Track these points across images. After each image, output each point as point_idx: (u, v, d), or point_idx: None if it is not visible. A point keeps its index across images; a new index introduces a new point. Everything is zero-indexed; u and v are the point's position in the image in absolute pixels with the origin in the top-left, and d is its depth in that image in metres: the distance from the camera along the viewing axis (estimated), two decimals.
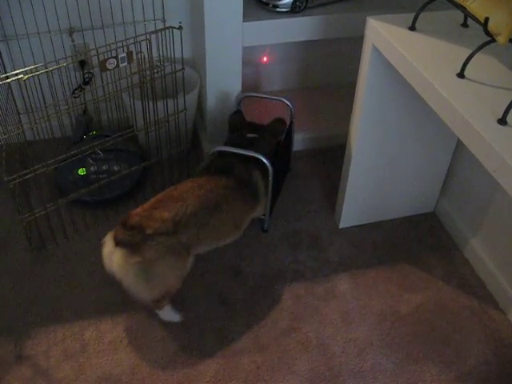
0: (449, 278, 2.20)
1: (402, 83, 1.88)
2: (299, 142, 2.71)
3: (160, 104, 2.27)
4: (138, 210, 1.82)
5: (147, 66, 2.12)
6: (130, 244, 1.74)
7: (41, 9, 2.38)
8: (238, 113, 2.38)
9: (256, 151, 2.12)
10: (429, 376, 1.88)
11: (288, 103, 2.41)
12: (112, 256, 1.76)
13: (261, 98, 2.50)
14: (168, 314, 1.98)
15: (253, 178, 2.11)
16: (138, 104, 2.27)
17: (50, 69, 1.88)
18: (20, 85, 1.86)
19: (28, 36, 2.43)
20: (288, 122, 2.43)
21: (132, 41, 2.01)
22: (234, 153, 2.12)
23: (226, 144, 2.25)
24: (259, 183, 2.13)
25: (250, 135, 2.27)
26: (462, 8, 1.59)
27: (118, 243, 1.75)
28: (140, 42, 2.02)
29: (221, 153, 2.15)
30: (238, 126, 2.33)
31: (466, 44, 1.62)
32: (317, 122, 2.80)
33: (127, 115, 2.61)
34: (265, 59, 2.90)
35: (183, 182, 1.97)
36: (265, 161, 2.10)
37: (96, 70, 2.50)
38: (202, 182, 1.96)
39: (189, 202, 1.86)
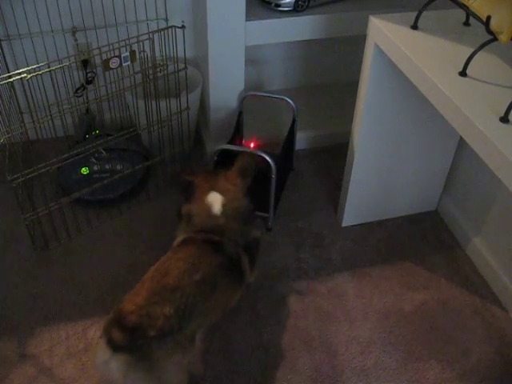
0: (451, 277, 2.20)
1: (405, 82, 1.88)
2: (302, 140, 2.72)
3: (163, 103, 2.28)
4: (130, 305, 1.54)
5: (150, 65, 2.13)
6: (132, 349, 1.50)
7: (44, 8, 2.38)
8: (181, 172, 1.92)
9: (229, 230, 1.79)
10: (431, 374, 1.89)
11: (290, 102, 2.41)
12: (110, 364, 1.50)
13: (263, 96, 2.50)
14: None
15: (239, 257, 1.79)
16: (141, 103, 2.28)
17: (53, 68, 1.88)
18: (23, 84, 1.86)
19: (31, 35, 2.43)
20: (291, 121, 2.43)
21: (135, 40, 2.02)
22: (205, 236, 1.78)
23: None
24: (243, 261, 1.81)
25: (214, 205, 1.80)
26: (465, 7, 1.59)
27: (116, 349, 1.49)
28: (143, 42, 2.02)
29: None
30: (190, 188, 1.86)
31: (468, 43, 1.62)
32: (319, 121, 2.80)
33: (130, 114, 2.62)
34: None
35: (170, 259, 1.70)
36: (268, 159, 2.10)
37: (99, 70, 2.50)
38: (192, 260, 1.67)
39: (188, 290, 1.59)
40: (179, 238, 1.81)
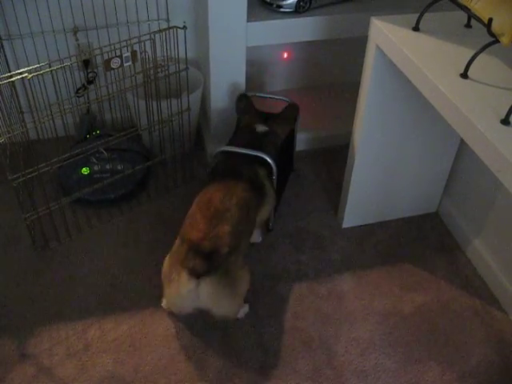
0: (451, 279, 2.20)
1: (406, 83, 1.88)
2: (303, 141, 2.72)
3: (164, 103, 2.28)
4: (197, 234, 1.74)
5: (151, 65, 2.13)
6: (215, 270, 1.70)
7: (45, 8, 2.38)
8: (244, 98, 2.34)
9: (264, 148, 2.12)
10: (431, 376, 1.88)
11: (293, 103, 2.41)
12: (198, 291, 1.70)
13: (264, 97, 2.50)
14: (245, 308, 2.05)
15: (259, 179, 2.07)
16: (142, 103, 2.28)
17: (54, 68, 1.88)
18: (24, 84, 1.86)
19: (32, 35, 2.43)
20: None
21: (136, 40, 2.02)
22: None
23: (233, 139, 2.25)
24: (266, 182, 2.09)
25: (259, 129, 2.21)
26: (466, 9, 1.59)
27: (201, 275, 1.68)
28: (144, 42, 2.02)
29: (226, 153, 2.13)
30: (247, 112, 2.31)
31: (470, 45, 1.62)
32: (320, 122, 2.80)
33: (131, 115, 2.62)
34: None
35: (208, 192, 1.91)
36: (269, 160, 2.10)
37: (100, 70, 2.51)
38: (226, 189, 1.90)
39: (233, 211, 1.82)
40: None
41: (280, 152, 2.23)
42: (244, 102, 2.32)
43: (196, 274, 1.68)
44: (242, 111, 2.31)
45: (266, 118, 2.28)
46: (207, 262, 1.68)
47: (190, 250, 1.71)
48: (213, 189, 1.92)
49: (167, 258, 1.84)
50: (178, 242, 1.81)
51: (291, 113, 2.34)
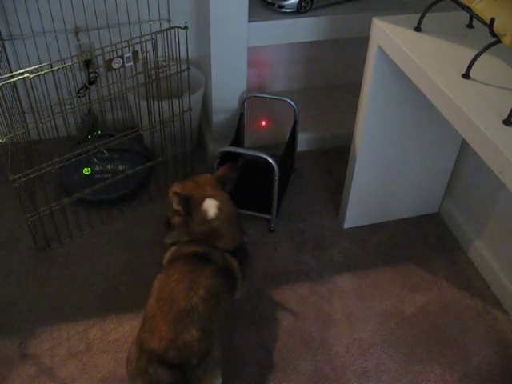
0: (453, 279, 2.20)
1: (408, 84, 1.88)
2: (304, 142, 2.72)
3: (165, 104, 2.28)
4: (160, 343, 1.48)
5: (152, 65, 2.13)
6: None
7: (46, 8, 2.38)
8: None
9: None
10: (433, 376, 1.88)
11: (292, 103, 2.41)
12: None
13: (265, 98, 2.50)
14: None
15: (229, 263, 1.77)
16: (143, 104, 2.28)
17: (56, 68, 1.88)
18: (25, 84, 1.86)
19: (33, 35, 2.43)
20: (292, 122, 2.43)
21: (137, 40, 2.02)
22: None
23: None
24: (234, 267, 1.79)
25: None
26: (468, 9, 1.59)
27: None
28: (145, 42, 2.02)
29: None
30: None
31: (472, 45, 1.62)
32: (321, 123, 2.80)
33: (132, 115, 2.62)
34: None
35: (168, 286, 1.62)
36: (271, 161, 2.10)
37: (101, 70, 2.51)
38: (189, 278, 1.63)
39: (200, 307, 1.57)
40: (168, 254, 1.80)
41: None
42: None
43: None
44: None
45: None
46: (172, 374, 1.46)
47: (150, 362, 1.47)
48: (174, 277, 1.64)
49: (126, 367, 1.59)
50: (134, 348, 1.55)
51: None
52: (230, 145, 2.33)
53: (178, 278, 1.63)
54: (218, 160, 2.19)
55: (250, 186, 2.46)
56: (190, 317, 1.54)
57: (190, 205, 1.77)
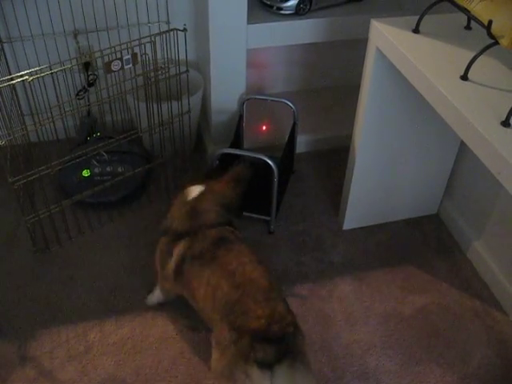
0: (452, 280, 2.20)
1: (406, 85, 1.88)
2: (303, 143, 2.72)
3: (164, 106, 2.28)
4: (258, 321, 1.52)
5: (152, 67, 2.13)
6: (288, 353, 1.50)
7: (46, 10, 2.38)
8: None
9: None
10: (432, 378, 1.88)
11: (291, 105, 2.41)
12: (277, 380, 1.49)
13: (264, 100, 2.50)
14: None
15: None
16: (143, 106, 2.28)
17: (55, 70, 1.88)
18: (25, 86, 1.87)
19: (33, 37, 2.44)
20: (291, 124, 2.44)
21: (137, 43, 2.02)
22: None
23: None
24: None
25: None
26: (466, 11, 1.59)
27: (273, 363, 1.48)
28: (145, 44, 2.02)
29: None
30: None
31: (470, 47, 1.62)
32: (320, 124, 2.80)
33: (131, 117, 2.62)
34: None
35: (229, 270, 1.66)
36: (270, 162, 2.10)
37: (100, 72, 2.51)
38: (243, 260, 1.70)
39: (272, 282, 1.64)
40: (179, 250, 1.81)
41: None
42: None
43: (268, 365, 1.48)
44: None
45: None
46: (277, 348, 1.49)
47: (254, 341, 1.49)
48: (233, 266, 1.67)
49: (217, 357, 1.61)
50: (227, 334, 1.56)
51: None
52: (230, 147, 2.33)
53: (235, 263, 1.67)
54: (217, 161, 2.19)
55: (249, 187, 2.46)
56: (273, 292, 1.60)
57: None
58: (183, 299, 1.93)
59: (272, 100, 2.47)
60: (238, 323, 1.54)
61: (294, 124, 2.45)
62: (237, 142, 2.45)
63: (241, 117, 2.47)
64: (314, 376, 1.70)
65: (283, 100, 2.43)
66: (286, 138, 2.41)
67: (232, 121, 2.51)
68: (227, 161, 2.13)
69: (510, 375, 1.90)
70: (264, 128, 2.80)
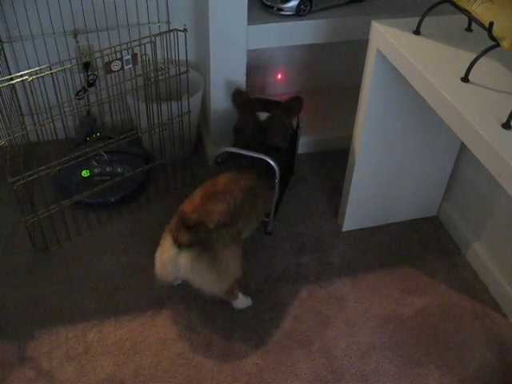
0: (451, 282, 2.20)
1: (407, 87, 1.88)
2: (303, 145, 2.72)
3: (164, 106, 2.28)
4: (189, 206, 1.83)
5: (152, 68, 2.13)
6: (198, 243, 1.74)
7: (45, 10, 2.38)
8: (239, 92, 2.32)
9: (271, 137, 2.19)
10: (431, 379, 1.88)
11: None
12: (178, 260, 1.75)
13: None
14: (242, 301, 2.05)
15: (271, 171, 2.11)
16: (142, 106, 2.28)
17: (55, 70, 1.88)
18: (24, 86, 1.86)
19: (32, 37, 2.44)
20: (295, 125, 2.43)
21: (137, 43, 2.02)
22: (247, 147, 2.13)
23: (236, 129, 2.27)
24: (275, 168, 2.12)
25: (262, 116, 2.23)
26: (467, 12, 1.59)
27: (182, 245, 1.73)
28: (145, 44, 2.02)
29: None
30: (246, 104, 2.29)
31: (471, 48, 1.62)
32: (321, 126, 2.80)
33: (131, 117, 2.62)
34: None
35: (218, 177, 1.98)
36: (272, 163, 2.09)
37: (100, 72, 2.51)
38: (235, 175, 1.98)
39: (235, 193, 1.90)
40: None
41: (287, 137, 2.28)
42: (241, 95, 2.31)
43: (178, 244, 1.73)
44: (241, 106, 2.29)
45: (266, 105, 2.28)
46: (191, 235, 1.72)
47: (178, 220, 1.75)
48: (227, 175, 1.98)
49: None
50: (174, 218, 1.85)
51: (295, 105, 2.31)
52: (234, 136, 2.32)
53: (227, 174, 1.99)
54: (219, 160, 2.18)
55: None
56: (222, 195, 1.87)
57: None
58: (183, 299, 1.93)
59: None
60: (181, 208, 1.84)
61: (297, 125, 2.45)
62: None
63: None
64: (222, 272, 1.83)
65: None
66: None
67: (232, 121, 2.50)
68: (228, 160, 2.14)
69: (510, 377, 1.90)
70: None
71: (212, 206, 1.82)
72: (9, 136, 1.98)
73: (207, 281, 1.84)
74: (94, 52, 2.49)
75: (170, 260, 1.76)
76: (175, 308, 2.03)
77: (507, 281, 2.08)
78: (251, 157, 2.09)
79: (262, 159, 2.08)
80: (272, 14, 2.31)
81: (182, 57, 2.16)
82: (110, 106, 2.39)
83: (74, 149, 2.43)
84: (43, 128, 2.00)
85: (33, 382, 1.82)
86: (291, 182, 2.59)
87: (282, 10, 2.29)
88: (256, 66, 2.82)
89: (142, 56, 2.06)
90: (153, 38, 2.04)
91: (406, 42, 1.69)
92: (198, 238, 1.74)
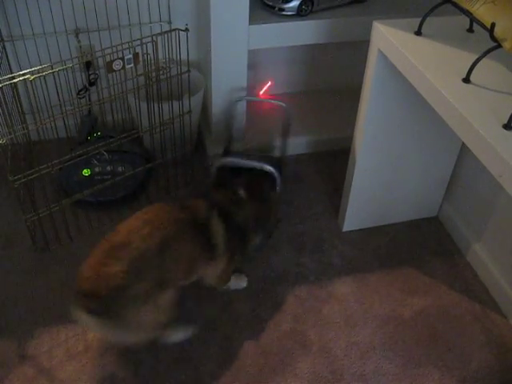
0: (451, 283, 2.20)
1: (408, 87, 1.88)
2: (304, 145, 2.72)
3: (165, 106, 2.28)
4: (86, 267, 1.65)
5: (153, 67, 2.13)
6: (97, 311, 1.62)
7: (47, 9, 2.38)
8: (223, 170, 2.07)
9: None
10: (431, 380, 1.88)
11: (284, 106, 2.40)
12: (88, 323, 1.67)
13: (255, 101, 2.47)
14: (178, 334, 1.95)
15: (211, 222, 1.85)
16: (144, 105, 2.28)
17: (57, 69, 1.88)
18: (26, 85, 1.86)
19: (34, 36, 2.44)
20: (284, 128, 2.43)
21: (138, 42, 2.02)
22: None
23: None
24: (218, 232, 1.86)
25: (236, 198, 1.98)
26: (469, 13, 1.59)
27: (87, 312, 1.63)
28: (146, 44, 2.02)
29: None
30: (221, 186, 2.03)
31: (472, 49, 1.62)
32: (321, 126, 2.80)
33: (132, 117, 2.62)
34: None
35: (129, 219, 1.76)
36: (273, 171, 2.09)
37: (101, 71, 2.51)
38: (148, 217, 1.74)
39: (134, 245, 1.65)
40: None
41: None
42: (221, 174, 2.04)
43: (84, 309, 1.63)
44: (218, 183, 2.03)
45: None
46: (89, 302, 1.61)
47: (77, 283, 1.66)
48: (138, 217, 1.76)
49: None
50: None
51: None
52: (226, 148, 2.31)
53: (139, 215, 1.76)
54: (216, 172, 2.18)
55: None
56: (119, 251, 1.64)
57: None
58: (182, 299, 1.93)
59: (264, 101, 2.45)
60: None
61: (288, 125, 2.44)
62: (229, 146, 2.41)
63: (231, 119, 2.46)
64: (131, 332, 1.73)
65: (276, 101, 2.42)
66: (280, 139, 2.40)
67: (232, 121, 2.51)
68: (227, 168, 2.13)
69: (509, 378, 1.90)
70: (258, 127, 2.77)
71: (106, 267, 1.62)
72: (10, 134, 1.99)
73: (120, 338, 1.79)
74: (95, 51, 2.49)
75: (81, 319, 1.67)
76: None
77: (507, 282, 2.08)
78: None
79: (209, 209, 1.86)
80: (273, 14, 2.31)
81: (184, 56, 2.15)
82: (112, 105, 2.39)
83: (74, 148, 2.43)
84: (44, 127, 2.01)
85: (33, 381, 1.82)
86: (292, 182, 2.58)
87: (283, 10, 2.29)
88: (257, 65, 2.83)
89: (143, 55, 2.06)
90: (154, 38, 2.04)
91: (408, 42, 1.69)
92: (96, 307, 1.61)
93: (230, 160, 2.13)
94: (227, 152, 2.25)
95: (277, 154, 2.33)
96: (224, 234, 1.86)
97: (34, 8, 2.37)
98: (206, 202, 1.87)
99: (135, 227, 1.70)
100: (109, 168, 2.41)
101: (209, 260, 1.87)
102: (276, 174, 2.09)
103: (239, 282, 2.08)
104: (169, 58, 2.14)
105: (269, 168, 2.09)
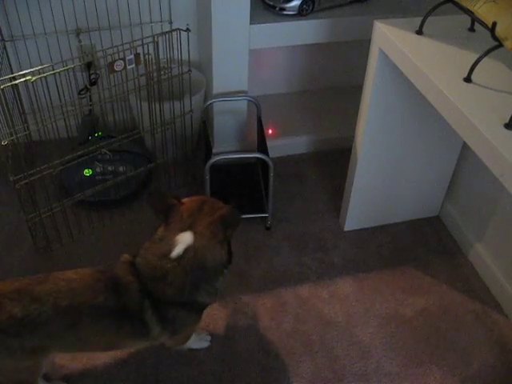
0: (453, 282, 2.20)
1: (409, 87, 1.88)
2: (304, 144, 2.72)
3: (166, 106, 2.28)
4: None
5: (154, 67, 2.13)
6: None
7: (48, 9, 2.38)
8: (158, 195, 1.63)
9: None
10: (432, 380, 1.88)
11: (254, 101, 2.42)
12: None
13: (226, 101, 2.46)
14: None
15: (142, 306, 1.53)
16: (145, 106, 2.28)
17: (58, 70, 1.88)
18: (27, 85, 1.86)
19: (35, 36, 2.44)
20: (257, 123, 2.45)
21: (139, 42, 2.02)
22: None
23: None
24: (148, 315, 1.55)
25: (177, 248, 1.50)
26: (470, 12, 1.59)
27: None
28: (147, 44, 2.02)
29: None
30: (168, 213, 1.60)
31: (473, 49, 1.62)
32: (322, 125, 2.80)
33: (133, 117, 2.62)
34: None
35: (56, 275, 1.53)
36: (266, 159, 2.10)
37: (102, 71, 2.51)
38: (75, 284, 1.51)
39: (45, 307, 1.46)
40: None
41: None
42: (158, 199, 1.62)
43: None
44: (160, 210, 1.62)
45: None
46: None
47: None
48: (69, 275, 1.54)
49: None
50: None
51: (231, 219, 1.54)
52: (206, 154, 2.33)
53: (69, 278, 1.53)
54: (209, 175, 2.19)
55: (237, 189, 2.47)
56: (29, 301, 1.46)
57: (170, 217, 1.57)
58: None
59: (235, 99, 2.45)
60: None
61: (259, 120, 2.46)
62: (208, 149, 2.39)
63: (204, 122, 2.47)
64: None
65: (246, 97, 2.42)
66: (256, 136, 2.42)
67: (232, 122, 2.51)
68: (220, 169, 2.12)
69: (511, 377, 1.90)
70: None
71: (8, 303, 1.45)
72: (11, 135, 1.99)
73: None
74: (96, 51, 2.49)
75: None
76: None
77: (508, 281, 2.08)
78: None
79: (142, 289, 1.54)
80: (274, 13, 2.32)
81: (185, 56, 2.16)
82: (113, 105, 2.39)
83: (76, 148, 2.43)
84: (45, 127, 2.00)
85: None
86: (293, 182, 2.59)
87: (284, 9, 2.29)
88: (258, 65, 2.83)
89: (144, 55, 2.06)
90: (155, 38, 2.04)
91: (409, 41, 1.69)
92: None
93: (222, 156, 2.14)
94: (209, 155, 2.26)
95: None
96: (159, 318, 1.57)
97: (34, 8, 2.37)
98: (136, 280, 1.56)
99: (55, 289, 1.49)
100: (110, 168, 2.41)
101: (140, 336, 1.61)
102: (270, 162, 2.11)
103: (200, 343, 1.92)
104: (170, 58, 2.14)
105: (263, 157, 2.11)
